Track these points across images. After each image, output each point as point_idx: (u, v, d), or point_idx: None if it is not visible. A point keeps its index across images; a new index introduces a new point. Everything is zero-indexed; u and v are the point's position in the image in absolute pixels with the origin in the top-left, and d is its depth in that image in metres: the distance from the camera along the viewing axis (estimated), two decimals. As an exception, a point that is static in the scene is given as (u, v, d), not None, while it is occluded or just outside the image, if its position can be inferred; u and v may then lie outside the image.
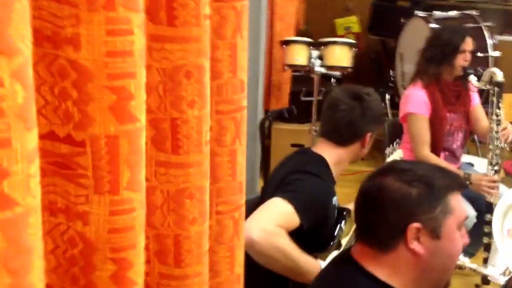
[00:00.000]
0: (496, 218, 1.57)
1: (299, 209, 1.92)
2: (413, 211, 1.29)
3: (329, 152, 2.19)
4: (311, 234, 2.00)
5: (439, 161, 3.16)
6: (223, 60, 1.12)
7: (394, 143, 2.60)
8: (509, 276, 1.46)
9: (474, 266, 1.49)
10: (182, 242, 1.05)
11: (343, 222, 2.18)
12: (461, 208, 1.35)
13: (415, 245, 1.29)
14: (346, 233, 2.19)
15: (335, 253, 2.10)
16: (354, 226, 2.21)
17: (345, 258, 1.44)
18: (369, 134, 2.21)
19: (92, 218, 0.81)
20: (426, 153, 3.20)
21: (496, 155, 3.10)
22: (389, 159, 2.48)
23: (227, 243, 1.24)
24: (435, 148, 3.24)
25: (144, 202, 0.87)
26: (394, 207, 1.31)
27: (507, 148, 3.13)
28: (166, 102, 0.98)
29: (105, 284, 0.83)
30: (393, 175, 1.34)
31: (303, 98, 3.83)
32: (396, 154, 2.48)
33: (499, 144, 3.08)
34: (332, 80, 4.12)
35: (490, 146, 3.10)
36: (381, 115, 2.24)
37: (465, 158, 3.56)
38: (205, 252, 1.10)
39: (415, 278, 1.32)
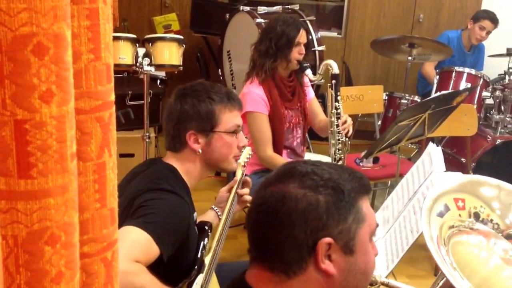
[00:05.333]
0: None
1: (157, 237, 1.60)
2: (323, 223, 1.05)
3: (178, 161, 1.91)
4: (174, 262, 1.68)
5: (284, 161, 3.00)
6: (80, 34, 0.76)
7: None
8: None
9: (386, 280, 1.28)
10: (42, 314, 0.67)
11: (206, 239, 1.88)
12: (373, 214, 1.13)
13: (327, 265, 1.06)
14: (208, 248, 1.89)
15: (199, 278, 1.80)
16: (215, 240, 1.93)
17: (239, 286, 1.15)
18: None
19: None
20: (270, 154, 3.02)
21: (338, 149, 3.02)
22: (241, 157, 2.25)
23: (99, 297, 0.87)
24: (277, 147, 3.08)
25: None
26: (300, 220, 1.05)
27: (349, 142, 3.06)
28: (5, 94, 0.60)
29: None
30: (295, 181, 1.09)
31: (129, 102, 3.44)
32: (245, 151, 2.26)
33: (340, 138, 3.00)
34: (158, 81, 3.80)
35: (332, 141, 3.00)
36: None
37: (308, 156, 3.46)
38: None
39: None
